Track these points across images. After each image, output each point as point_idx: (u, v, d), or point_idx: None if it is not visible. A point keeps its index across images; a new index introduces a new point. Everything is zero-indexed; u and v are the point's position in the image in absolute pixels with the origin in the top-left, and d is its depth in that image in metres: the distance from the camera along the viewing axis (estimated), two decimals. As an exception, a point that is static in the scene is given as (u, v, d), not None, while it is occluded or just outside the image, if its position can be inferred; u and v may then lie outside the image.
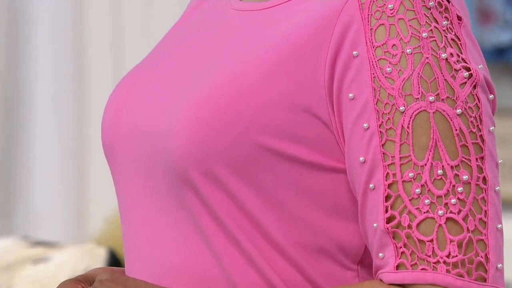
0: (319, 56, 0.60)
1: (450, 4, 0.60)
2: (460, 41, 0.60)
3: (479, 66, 0.60)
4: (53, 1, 3.61)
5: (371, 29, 0.58)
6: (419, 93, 0.56)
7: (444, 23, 0.59)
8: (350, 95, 0.59)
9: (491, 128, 0.60)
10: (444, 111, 0.57)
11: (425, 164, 0.56)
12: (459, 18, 0.61)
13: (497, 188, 0.58)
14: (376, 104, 0.57)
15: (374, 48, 0.58)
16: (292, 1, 0.65)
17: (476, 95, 0.58)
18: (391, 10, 0.58)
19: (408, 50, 0.57)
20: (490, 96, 0.61)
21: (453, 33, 0.60)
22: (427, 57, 0.57)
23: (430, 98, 0.56)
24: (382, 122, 0.57)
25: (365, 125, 0.58)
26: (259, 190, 0.61)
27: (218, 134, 0.61)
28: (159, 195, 0.66)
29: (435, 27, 0.58)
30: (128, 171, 0.69)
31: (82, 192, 3.74)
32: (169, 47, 0.77)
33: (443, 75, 0.57)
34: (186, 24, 0.79)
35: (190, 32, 0.76)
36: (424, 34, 0.57)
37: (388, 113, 0.57)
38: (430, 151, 0.56)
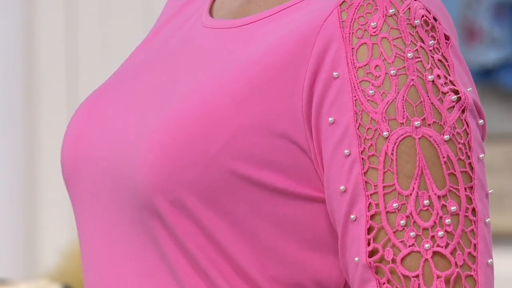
0: (296, 77, 0.61)
1: (437, 22, 0.61)
2: (447, 62, 0.60)
3: (468, 89, 0.61)
4: (2, 19, 3.65)
5: (352, 48, 0.59)
6: (403, 118, 0.57)
7: (431, 42, 0.60)
8: (330, 119, 0.59)
9: (481, 156, 0.60)
10: (430, 137, 0.57)
11: (410, 194, 0.56)
12: (447, 37, 0.61)
13: (487, 220, 0.59)
14: (357, 129, 0.58)
15: (356, 69, 0.58)
16: (267, 19, 0.66)
17: (465, 120, 0.59)
18: (374, 28, 0.59)
19: (392, 72, 0.58)
20: (480, 121, 0.62)
21: (440, 53, 0.60)
22: (413, 79, 0.58)
23: (416, 123, 0.57)
24: (364, 148, 0.57)
25: (345, 151, 0.58)
26: (231, 220, 0.61)
27: (187, 160, 0.61)
28: (124, 225, 0.66)
29: (421, 47, 0.59)
30: (90, 200, 0.69)
31: (35, 222, 3.67)
32: (135, 66, 0.78)
33: (429, 98, 0.58)
34: (155, 41, 0.79)
35: (158, 50, 0.77)
36: (409, 55, 0.58)
37: (371, 138, 0.57)
38: (416, 179, 0.56)
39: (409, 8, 0.59)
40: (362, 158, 0.57)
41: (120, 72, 0.79)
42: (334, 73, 0.58)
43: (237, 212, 0.61)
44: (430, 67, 0.58)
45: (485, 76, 4.10)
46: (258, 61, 0.62)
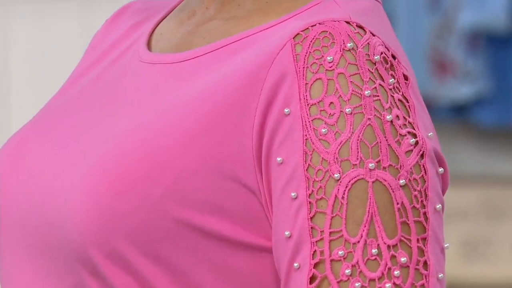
0: (246, 115, 0.61)
1: (396, 61, 0.62)
2: (408, 102, 0.60)
3: (429, 134, 0.61)
4: None
5: (306, 83, 0.59)
6: (357, 159, 0.57)
7: (391, 81, 0.60)
8: (278, 159, 0.59)
9: (438, 206, 0.60)
10: (385, 180, 0.57)
11: (358, 241, 0.56)
12: (406, 77, 0.62)
13: (440, 276, 0.58)
14: (306, 170, 0.58)
15: (309, 105, 0.59)
16: (212, 53, 0.66)
17: (423, 166, 0.59)
18: (330, 63, 0.59)
19: (347, 110, 0.58)
20: (440, 170, 0.62)
21: (401, 93, 0.61)
22: (369, 118, 0.58)
23: (370, 165, 0.57)
24: (313, 191, 0.58)
25: (292, 194, 0.58)
26: (173, 272, 0.61)
27: (126, 208, 0.61)
28: (54, 279, 0.65)
29: (380, 84, 0.59)
30: (15, 250, 0.69)
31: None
32: (67, 101, 0.77)
33: (386, 140, 0.58)
34: (88, 75, 0.79)
35: (93, 86, 0.76)
36: (366, 92, 0.58)
37: (320, 180, 0.57)
38: (365, 226, 0.56)
39: (368, 43, 0.60)
40: (310, 202, 0.57)
41: (51, 107, 0.78)
42: (286, 110, 0.59)
43: (181, 263, 0.61)
44: (389, 107, 0.59)
45: (457, 112, 4.12)
46: (204, 98, 0.63)
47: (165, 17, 0.78)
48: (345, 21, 0.61)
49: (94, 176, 0.63)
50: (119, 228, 0.61)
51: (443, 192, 0.63)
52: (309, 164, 0.58)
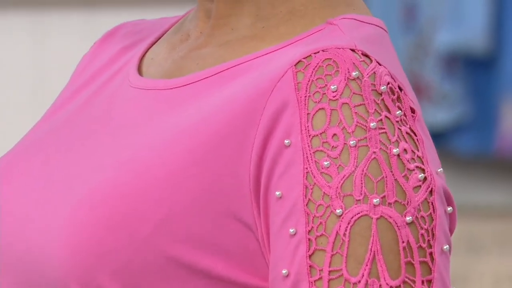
0: (243, 146, 0.61)
1: (403, 92, 0.62)
2: (416, 136, 0.60)
3: (438, 170, 0.62)
4: None
5: (308, 113, 0.59)
6: (361, 194, 0.57)
7: (398, 113, 0.60)
8: (277, 193, 0.59)
9: (445, 247, 0.59)
10: (390, 217, 0.56)
11: (359, 281, 0.56)
12: (412, 110, 0.62)
13: None
14: (306, 205, 0.58)
15: (310, 137, 0.59)
16: (206, 80, 0.66)
17: (432, 203, 0.59)
18: (333, 92, 0.59)
19: (351, 142, 0.58)
20: (448, 209, 0.61)
21: (408, 126, 0.61)
22: (375, 151, 0.58)
23: (375, 200, 0.56)
24: (312, 227, 0.57)
25: (291, 230, 0.58)
26: None
27: (112, 245, 0.61)
28: None
29: (386, 116, 0.59)
30: (4, 279, 0.69)
31: None
32: (55, 126, 0.77)
33: (393, 174, 0.57)
34: (75, 101, 0.79)
35: (80, 113, 0.76)
36: (372, 124, 0.58)
37: (321, 216, 0.57)
38: (367, 265, 0.56)
39: (374, 73, 0.60)
40: (309, 239, 0.57)
41: (37, 133, 0.78)
42: (286, 141, 0.59)
43: None
44: (396, 140, 0.59)
45: (433, 140, 3.72)
46: (197, 128, 0.63)
47: (157, 40, 0.79)
48: (350, 49, 0.61)
49: (81, 211, 0.63)
50: (105, 265, 0.61)
51: (451, 232, 0.63)
52: (309, 199, 0.58)
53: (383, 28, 0.67)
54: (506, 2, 3.86)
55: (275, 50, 0.64)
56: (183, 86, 0.68)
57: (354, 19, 0.65)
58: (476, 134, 3.95)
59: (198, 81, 0.67)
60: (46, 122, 0.80)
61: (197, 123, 0.64)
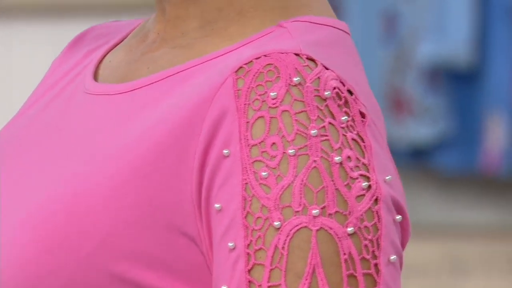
0: (185, 156, 0.60)
1: (353, 97, 0.61)
2: (363, 142, 0.59)
3: (387, 178, 0.60)
4: None
5: (247, 122, 0.59)
6: (300, 205, 0.56)
7: (343, 118, 0.59)
8: (217, 205, 0.58)
9: (392, 258, 0.57)
10: (331, 228, 0.56)
11: None
12: (363, 115, 0.61)
13: None
14: (245, 218, 0.57)
15: (249, 146, 0.58)
16: (154, 85, 0.66)
17: (377, 213, 0.57)
18: (273, 99, 0.58)
19: (290, 151, 0.57)
20: (397, 217, 0.59)
21: (355, 132, 0.60)
22: (315, 160, 0.57)
23: (314, 211, 0.56)
24: (251, 241, 0.56)
25: (230, 244, 0.57)
26: None
27: (53, 265, 0.60)
28: None
29: (330, 123, 0.58)
30: None
31: None
32: (14, 134, 0.77)
33: (334, 184, 0.57)
34: (38, 103, 0.79)
35: (38, 117, 0.76)
36: (313, 132, 0.57)
37: (259, 229, 0.56)
38: (306, 279, 0.55)
39: (318, 78, 0.59)
40: (248, 253, 0.57)
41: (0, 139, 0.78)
42: (225, 151, 0.58)
43: None
44: (339, 147, 0.58)
45: (416, 156, 3.99)
46: (140, 139, 0.62)
47: (120, 42, 0.78)
48: (294, 53, 0.60)
49: (23, 232, 0.63)
50: (47, 285, 0.61)
51: (404, 242, 0.62)
52: (248, 211, 0.57)
53: (343, 30, 0.66)
54: (491, 12, 3.83)
55: (222, 54, 0.63)
56: (131, 91, 0.67)
57: (309, 21, 0.64)
58: (460, 151, 3.90)
59: (146, 86, 0.66)
60: (8, 129, 0.80)
61: (140, 134, 0.63)
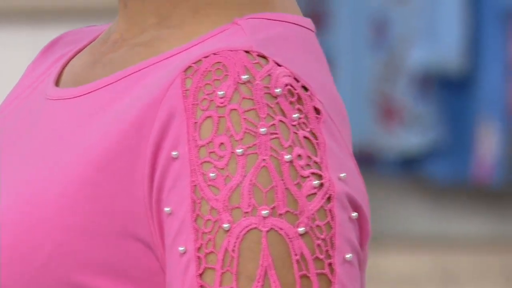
0: (137, 160, 0.60)
1: (308, 93, 0.61)
2: (316, 139, 0.59)
3: (341, 175, 0.60)
4: None
5: (195, 123, 0.58)
6: (249, 206, 0.56)
7: (295, 116, 0.58)
8: (167, 209, 0.58)
9: (348, 256, 0.57)
10: (281, 229, 0.55)
11: None
12: (317, 111, 0.61)
13: None
14: (195, 220, 0.57)
15: (198, 147, 0.58)
16: (109, 87, 0.66)
17: (330, 211, 0.57)
18: (221, 98, 0.58)
19: (238, 150, 0.57)
20: (353, 214, 0.60)
21: (308, 129, 0.59)
22: (264, 159, 0.57)
23: (263, 212, 0.55)
24: (202, 244, 0.56)
25: (180, 248, 0.57)
26: None
27: (10, 278, 0.61)
28: None
29: (280, 121, 0.58)
30: None
31: None
32: None
33: (284, 183, 0.56)
34: (5, 109, 0.80)
35: (4, 123, 0.76)
36: (262, 130, 0.57)
37: (209, 232, 0.56)
38: (258, 282, 0.55)
39: (269, 75, 0.59)
40: (198, 257, 0.56)
41: None
42: (173, 153, 0.58)
43: None
44: (290, 145, 0.57)
45: (406, 166, 3.92)
46: (93, 144, 0.63)
47: (87, 46, 0.79)
48: (244, 51, 0.59)
49: None
50: None
51: (363, 240, 0.62)
52: (197, 214, 0.56)
53: (305, 27, 0.66)
54: (483, 18, 3.80)
55: (176, 54, 0.63)
56: (86, 94, 0.67)
57: (265, 18, 0.64)
58: (452, 160, 3.85)
59: (101, 88, 0.66)
60: None
61: (92, 139, 0.63)
